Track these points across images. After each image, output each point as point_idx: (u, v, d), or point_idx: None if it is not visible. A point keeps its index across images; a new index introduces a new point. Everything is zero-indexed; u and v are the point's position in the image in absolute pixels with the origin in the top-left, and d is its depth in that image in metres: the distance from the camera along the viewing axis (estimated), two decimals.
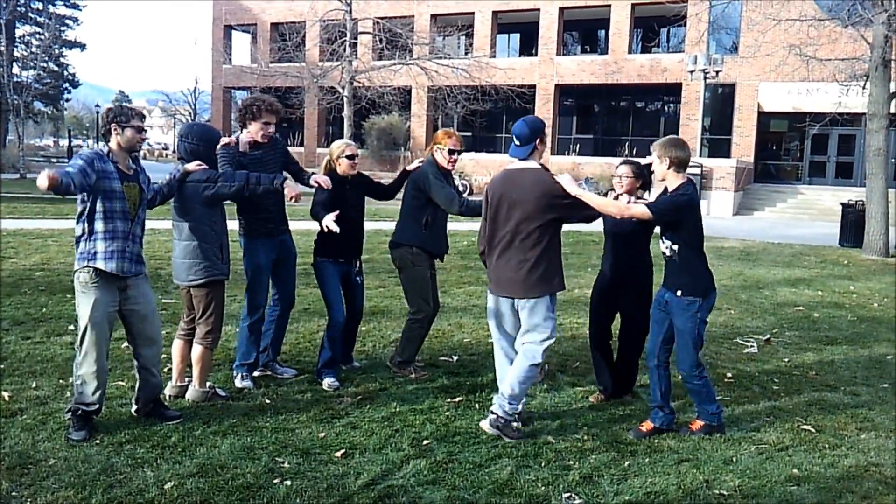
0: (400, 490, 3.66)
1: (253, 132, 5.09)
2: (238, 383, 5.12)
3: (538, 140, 4.39)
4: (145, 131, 4.28)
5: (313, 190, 5.16)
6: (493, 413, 4.38)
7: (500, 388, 4.45)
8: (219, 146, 4.94)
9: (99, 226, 4.09)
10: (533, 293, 4.29)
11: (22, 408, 4.56)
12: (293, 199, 4.70)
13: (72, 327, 6.47)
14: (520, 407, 4.42)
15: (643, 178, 5.03)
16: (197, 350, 4.74)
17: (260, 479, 3.71)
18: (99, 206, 4.08)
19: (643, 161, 5.24)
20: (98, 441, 4.10)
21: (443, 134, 5.38)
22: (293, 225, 5.53)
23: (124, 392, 4.86)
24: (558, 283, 4.37)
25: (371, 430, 4.42)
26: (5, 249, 10.89)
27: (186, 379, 4.87)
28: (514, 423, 4.39)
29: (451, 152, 5.34)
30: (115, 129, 4.15)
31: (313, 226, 5.19)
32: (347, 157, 5.28)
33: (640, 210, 4.36)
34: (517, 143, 4.41)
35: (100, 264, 4.08)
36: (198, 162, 4.63)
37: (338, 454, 4.04)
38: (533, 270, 4.27)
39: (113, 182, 4.09)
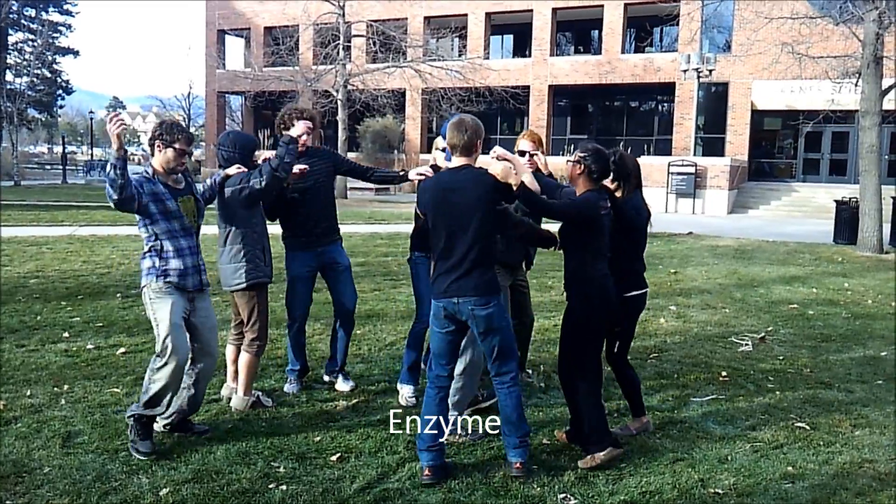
0: (396, 493, 3.66)
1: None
2: (286, 388, 5.22)
3: None
4: (189, 154, 4.25)
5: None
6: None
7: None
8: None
9: (167, 245, 4.09)
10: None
11: (16, 416, 4.55)
12: (301, 173, 4.74)
13: (66, 334, 6.47)
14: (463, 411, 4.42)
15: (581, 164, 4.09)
16: (243, 357, 4.71)
17: (255, 485, 3.71)
18: (161, 228, 4.07)
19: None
20: (92, 448, 4.09)
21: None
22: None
23: (119, 399, 4.86)
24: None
25: (366, 433, 4.42)
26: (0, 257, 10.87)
27: None
28: (460, 425, 4.37)
29: (520, 153, 5.02)
30: (159, 147, 4.10)
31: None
32: (441, 150, 5.05)
33: None
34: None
35: (173, 280, 4.09)
36: (237, 166, 4.62)
37: (333, 458, 4.04)
38: None
39: (167, 202, 4.07)
